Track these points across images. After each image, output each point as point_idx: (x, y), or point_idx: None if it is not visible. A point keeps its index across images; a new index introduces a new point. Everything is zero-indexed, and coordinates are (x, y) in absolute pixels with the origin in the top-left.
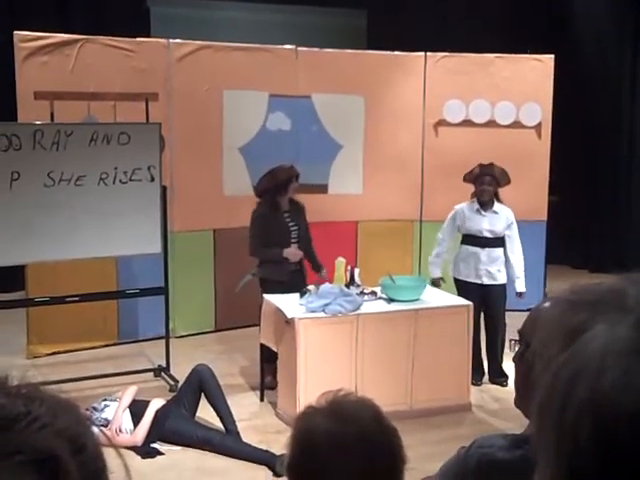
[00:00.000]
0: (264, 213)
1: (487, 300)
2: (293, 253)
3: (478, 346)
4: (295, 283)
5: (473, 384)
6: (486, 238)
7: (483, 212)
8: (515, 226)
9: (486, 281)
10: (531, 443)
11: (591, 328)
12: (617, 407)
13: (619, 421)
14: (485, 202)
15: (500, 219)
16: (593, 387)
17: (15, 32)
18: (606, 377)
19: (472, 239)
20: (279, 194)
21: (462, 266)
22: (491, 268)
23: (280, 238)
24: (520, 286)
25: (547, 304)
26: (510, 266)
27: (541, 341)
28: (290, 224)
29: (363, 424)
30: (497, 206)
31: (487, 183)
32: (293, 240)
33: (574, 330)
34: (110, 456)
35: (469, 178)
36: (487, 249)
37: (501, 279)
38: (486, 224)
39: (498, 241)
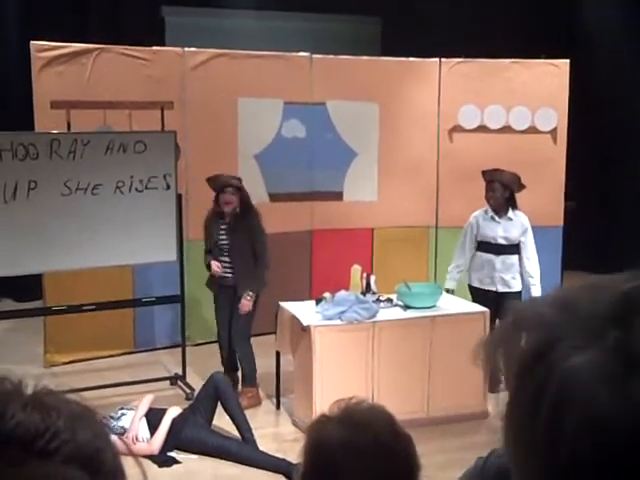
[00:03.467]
0: (208, 217)
1: (502, 307)
2: (215, 265)
3: None
4: (225, 300)
5: (490, 392)
6: (501, 245)
7: (497, 219)
8: (530, 233)
9: (501, 289)
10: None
11: (552, 349)
12: (615, 430)
13: (619, 443)
14: (498, 209)
15: (515, 225)
16: (587, 414)
17: (32, 42)
18: (599, 402)
19: (487, 246)
20: (216, 204)
21: (477, 273)
22: (506, 275)
23: (213, 247)
24: (536, 293)
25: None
26: (525, 273)
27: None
28: (221, 237)
29: (377, 431)
30: (512, 212)
31: (491, 190)
32: (224, 255)
33: (533, 354)
34: (128, 464)
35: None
36: (502, 256)
37: (516, 287)
38: (500, 231)
39: (513, 248)
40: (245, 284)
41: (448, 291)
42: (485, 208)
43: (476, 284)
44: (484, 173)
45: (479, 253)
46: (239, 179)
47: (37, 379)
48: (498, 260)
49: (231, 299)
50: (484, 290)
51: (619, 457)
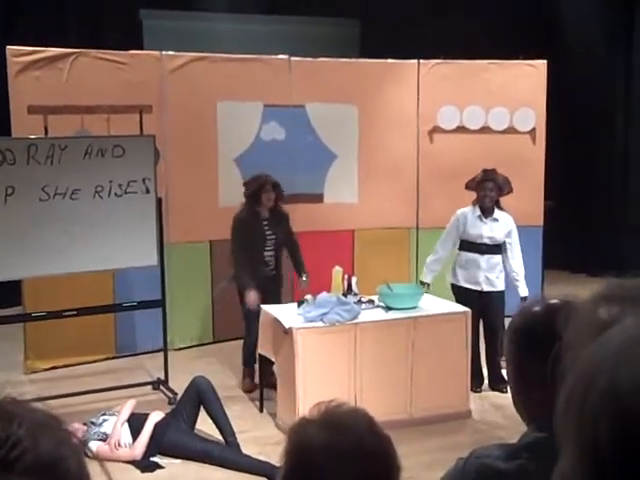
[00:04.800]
0: (243, 218)
1: (486, 306)
2: (252, 300)
3: (477, 353)
4: (270, 289)
5: (472, 391)
6: (486, 245)
7: (484, 219)
8: (515, 233)
9: (485, 288)
10: (549, 445)
11: (620, 322)
12: (634, 399)
13: (636, 413)
14: (486, 209)
15: (500, 226)
16: (611, 378)
17: (8, 47)
18: (624, 369)
19: (471, 245)
20: (254, 203)
21: (461, 273)
22: (490, 275)
23: (256, 245)
24: (523, 291)
25: (541, 308)
26: (512, 272)
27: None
28: (267, 232)
29: (359, 434)
30: (497, 213)
31: (489, 189)
32: (268, 248)
33: (604, 323)
34: (95, 472)
35: (471, 185)
36: (486, 256)
37: (500, 286)
38: (486, 231)
39: (497, 248)
40: (302, 270)
41: (423, 284)
42: (471, 207)
43: (460, 283)
44: (486, 171)
45: (463, 252)
46: (271, 176)
47: (16, 386)
48: (483, 259)
49: (276, 287)
50: (468, 289)
51: (635, 431)
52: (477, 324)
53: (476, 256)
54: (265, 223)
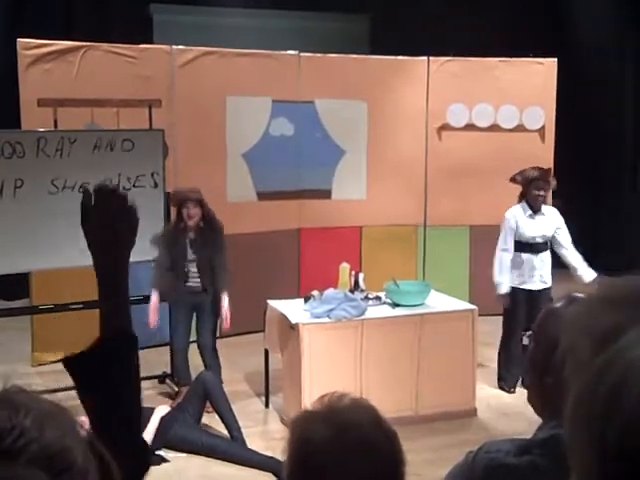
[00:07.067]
0: (170, 231)
1: (538, 305)
2: (150, 319)
3: (514, 352)
4: (200, 306)
5: (507, 391)
6: (538, 244)
7: (534, 216)
8: (564, 224)
9: (541, 286)
10: (564, 443)
11: (626, 331)
12: None
13: None
14: (537, 207)
15: (548, 221)
16: (620, 376)
17: (18, 39)
18: (633, 370)
19: (524, 246)
20: (180, 219)
21: (515, 273)
22: (543, 272)
23: (176, 264)
24: (590, 274)
25: (564, 303)
26: (570, 262)
27: (570, 342)
28: (189, 252)
29: (362, 429)
30: (544, 208)
31: (543, 188)
32: (191, 265)
33: (606, 332)
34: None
35: (519, 180)
36: (540, 255)
37: (550, 281)
38: (538, 228)
39: (547, 244)
40: (219, 305)
41: (504, 298)
42: (521, 206)
43: (515, 284)
44: (543, 171)
45: (516, 253)
46: (199, 192)
47: (23, 378)
48: (537, 259)
49: (196, 305)
50: (519, 289)
51: None
52: (522, 323)
53: (530, 256)
54: (188, 243)
